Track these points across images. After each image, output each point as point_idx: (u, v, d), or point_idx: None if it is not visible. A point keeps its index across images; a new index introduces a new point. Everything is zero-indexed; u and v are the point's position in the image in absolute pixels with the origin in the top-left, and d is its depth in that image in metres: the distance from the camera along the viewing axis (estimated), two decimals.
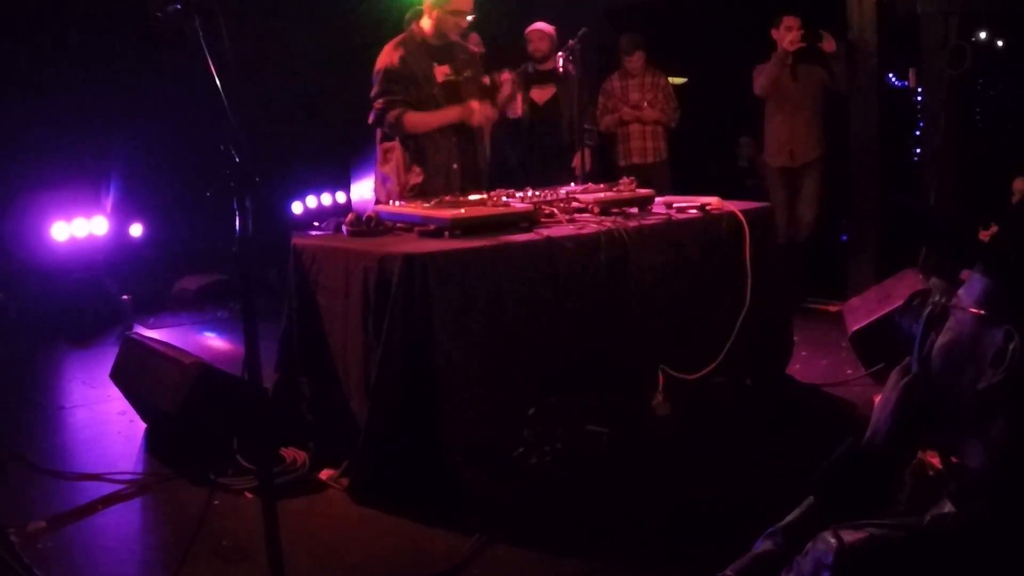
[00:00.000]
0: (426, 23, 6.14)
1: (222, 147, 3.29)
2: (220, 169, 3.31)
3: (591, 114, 8.41)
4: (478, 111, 6.10)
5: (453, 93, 6.24)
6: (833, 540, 2.55)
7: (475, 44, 7.05)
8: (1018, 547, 2.51)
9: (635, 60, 8.73)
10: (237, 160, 3.28)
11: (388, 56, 6.07)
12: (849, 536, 2.55)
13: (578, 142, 7.77)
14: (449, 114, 6.16)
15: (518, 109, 7.61)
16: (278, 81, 9.13)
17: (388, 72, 6.04)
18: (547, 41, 8.03)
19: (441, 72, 6.19)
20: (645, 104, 8.70)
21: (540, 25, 8.14)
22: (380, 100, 6.06)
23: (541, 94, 8.01)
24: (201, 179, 8.29)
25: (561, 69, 7.39)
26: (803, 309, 8.02)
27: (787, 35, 7.87)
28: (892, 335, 6.09)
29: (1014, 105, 12.53)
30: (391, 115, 6.05)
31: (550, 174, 6.74)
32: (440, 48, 6.21)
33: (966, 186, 8.20)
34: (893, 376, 3.07)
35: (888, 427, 2.99)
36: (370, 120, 6.20)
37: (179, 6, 3.40)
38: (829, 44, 7.83)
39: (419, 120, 6.10)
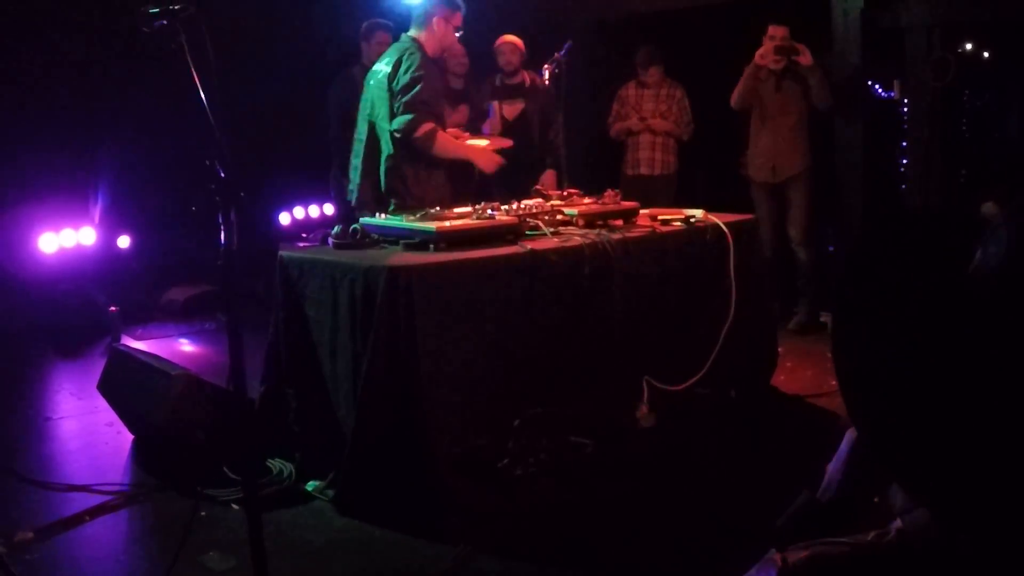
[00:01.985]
0: (427, 36, 6.02)
1: (207, 161, 3.32)
2: (206, 183, 3.34)
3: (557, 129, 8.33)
4: (491, 160, 6.08)
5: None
6: (777, 559, 2.62)
7: (462, 56, 7.07)
8: (960, 559, 2.56)
9: (651, 75, 8.76)
10: (222, 175, 3.31)
11: (422, 65, 5.86)
12: (793, 556, 2.62)
13: (548, 158, 7.69)
14: (472, 151, 6.13)
15: (496, 126, 7.65)
16: (266, 92, 9.14)
17: (427, 81, 5.85)
18: (517, 54, 7.96)
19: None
20: (658, 117, 8.71)
21: (510, 38, 8.04)
22: (419, 110, 5.82)
23: (510, 109, 7.94)
24: (188, 191, 8.35)
25: (529, 83, 7.41)
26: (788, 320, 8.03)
27: (769, 44, 7.83)
28: None
29: (999, 116, 12.62)
30: (425, 127, 5.82)
31: (520, 191, 6.61)
32: (436, 62, 6.18)
33: (951, 197, 8.25)
34: (848, 433, 3.23)
35: (840, 480, 3.14)
36: (398, 131, 5.86)
37: (166, 21, 3.43)
38: (805, 58, 7.74)
39: (449, 145, 5.99)
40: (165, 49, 3.44)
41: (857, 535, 2.78)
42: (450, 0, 6.07)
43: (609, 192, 5.98)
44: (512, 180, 6.75)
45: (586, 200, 5.96)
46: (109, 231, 9.16)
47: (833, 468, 3.21)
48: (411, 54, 5.90)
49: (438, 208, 5.41)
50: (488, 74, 8.10)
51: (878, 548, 2.66)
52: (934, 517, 2.61)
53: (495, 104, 7.97)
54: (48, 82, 8.44)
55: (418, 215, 5.27)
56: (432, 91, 5.89)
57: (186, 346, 8.24)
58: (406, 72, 5.83)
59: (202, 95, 3.35)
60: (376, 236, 5.26)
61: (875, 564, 2.63)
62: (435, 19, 6.02)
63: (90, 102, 8.59)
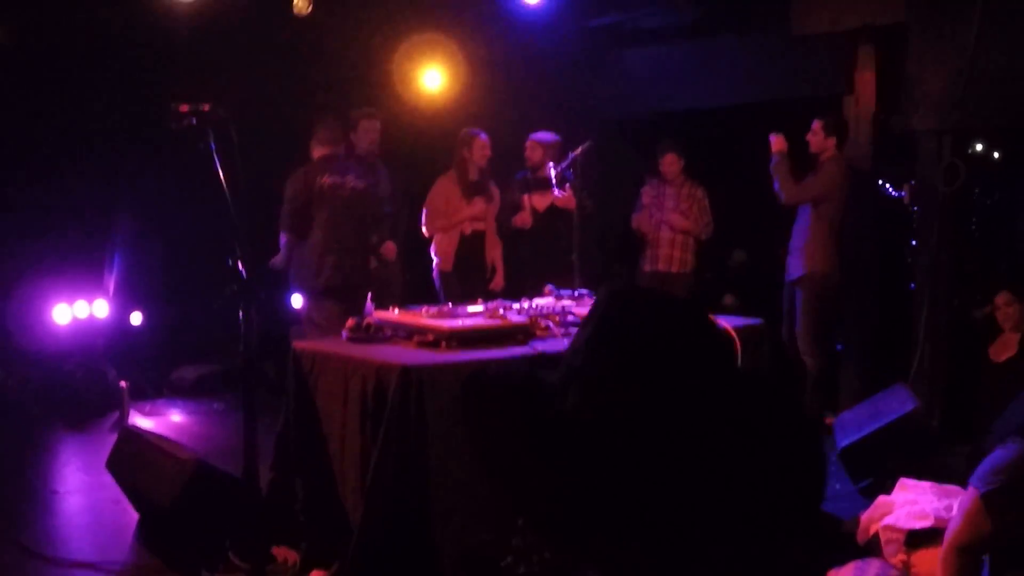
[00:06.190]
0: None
1: (229, 262, 3.40)
2: (227, 282, 3.42)
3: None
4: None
5: None
6: None
7: (482, 147, 7.38)
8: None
9: (667, 163, 8.86)
10: (244, 275, 3.39)
11: None
12: None
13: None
14: None
15: (527, 219, 8.02)
16: (282, 166, 9.23)
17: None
18: (539, 151, 8.21)
19: None
20: (678, 214, 8.80)
21: (536, 135, 8.33)
22: None
23: (541, 201, 8.22)
24: (202, 271, 8.39)
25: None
26: None
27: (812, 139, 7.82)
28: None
29: (1009, 214, 12.72)
30: None
31: (552, 275, 6.89)
32: None
33: (960, 299, 8.29)
34: None
35: None
36: None
37: (194, 121, 3.53)
38: (777, 144, 7.81)
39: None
40: (193, 150, 3.54)
41: None
42: None
43: None
44: (545, 268, 7.05)
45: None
46: (122, 305, 9.22)
47: None
48: None
49: (450, 305, 5.52)
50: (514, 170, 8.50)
51: None
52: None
53: (525, 197, 8.29)
54: (65, 153, 8.56)
55: (432, 312, 5.34)
56: None
57: (194, 426, 8.26)
58: None
59: (227, 197, 3.44)
60: (389, 331, 5.32)
61: None
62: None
63: (108, 178, 8.70)
